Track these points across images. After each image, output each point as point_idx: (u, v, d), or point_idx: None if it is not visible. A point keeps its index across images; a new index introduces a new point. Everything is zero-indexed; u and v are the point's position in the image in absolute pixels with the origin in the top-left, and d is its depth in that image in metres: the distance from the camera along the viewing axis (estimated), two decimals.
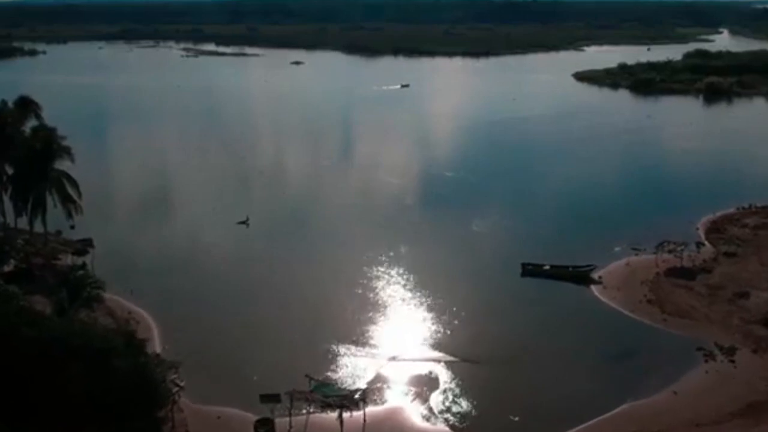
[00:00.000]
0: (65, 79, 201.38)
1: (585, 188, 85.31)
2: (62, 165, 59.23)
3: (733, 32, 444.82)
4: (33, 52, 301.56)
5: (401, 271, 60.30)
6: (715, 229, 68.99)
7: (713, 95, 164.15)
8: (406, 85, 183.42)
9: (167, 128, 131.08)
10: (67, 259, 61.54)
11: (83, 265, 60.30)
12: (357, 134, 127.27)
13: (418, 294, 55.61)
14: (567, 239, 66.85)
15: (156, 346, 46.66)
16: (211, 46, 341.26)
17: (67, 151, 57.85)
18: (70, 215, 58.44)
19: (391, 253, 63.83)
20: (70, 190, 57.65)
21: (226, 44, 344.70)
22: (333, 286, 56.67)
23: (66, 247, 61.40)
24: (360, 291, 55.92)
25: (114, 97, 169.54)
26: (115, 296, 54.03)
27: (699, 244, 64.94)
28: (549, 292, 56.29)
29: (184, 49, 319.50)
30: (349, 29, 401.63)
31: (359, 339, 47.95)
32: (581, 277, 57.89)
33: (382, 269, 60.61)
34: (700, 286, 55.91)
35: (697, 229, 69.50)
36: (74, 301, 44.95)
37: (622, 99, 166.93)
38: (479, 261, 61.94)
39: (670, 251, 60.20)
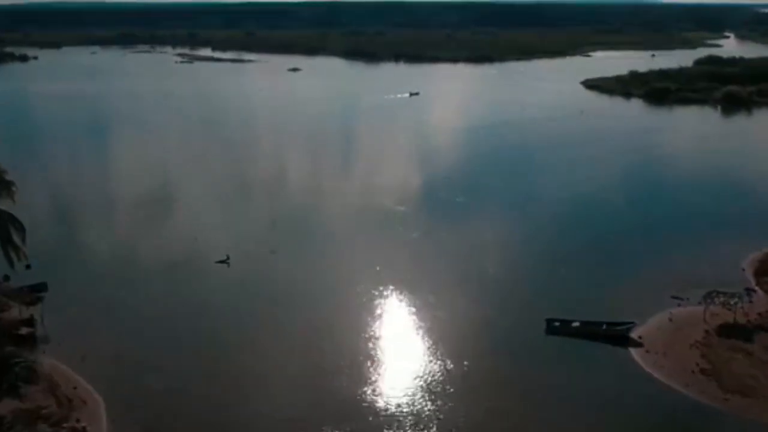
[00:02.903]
0: (47, 87, 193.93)
1: (611, 219, 75.79)
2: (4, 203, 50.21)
3: (739, 36, 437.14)
4: (24, 58, 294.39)
5: (408, 327, 51.35)
6: (766, 271, 59.91)
7: (732, 105, 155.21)
8: (416, 93, 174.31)
9: (145, 145, 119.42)
10: (16, 311, 52.65)
11: (31, 320, 51.64)
12: (362, 152, 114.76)
13: (429, 360, 46.50)
14: (595, 283, 57.87)
15: None
16: (207, 52, 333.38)
17: (7, 188, 48.90)
18: (11, 263, 49.47)
19: (396, 304, 55.03)
20: (14, 235, 48.66)
21: (223, 49, 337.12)
22: (326, 350, 47.62)
23: (11, 300, 52.36)
24: (360, 358, 46.78)
25: (93, 107, 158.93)
26: (62, 365, 45.31)
27: (749, 291, 55.85)
28: (580, 356, 47.22)
29: (179, 55, 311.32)
30: (349, 34, 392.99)
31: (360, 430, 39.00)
32: (618, 337, 48.90)
33: (385, 325, 51.68)
34: (760, 350, 46.87)
35: (743, 270, 60.56)
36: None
37: (638, 110, 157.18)
38: (497, 313, 52.76)
39: (723, 304, 51.14)
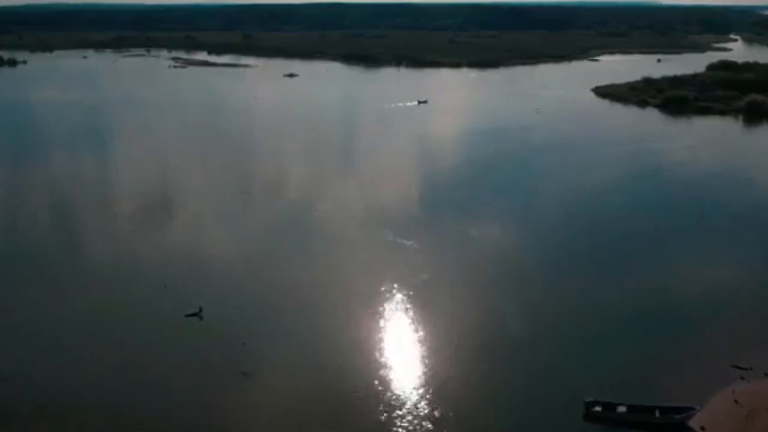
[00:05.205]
0: (27, 94, 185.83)
1: (647, 255, 65.43)
2: None
3: (747, 40, 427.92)
4: (13, 62, 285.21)
5: (414, 411, 41.78)
6: None
7: (754, 116, 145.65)
8: (424, 102, 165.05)
9: (109, 165, 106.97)
10: None
11: None
12: (370, 171, 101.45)
13: None
14: (635, 348, 48.43)
15: None
16: (203, 55, 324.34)
17: None
18: None
19: (400, 378, 45.38)
20: None
21: (219, 53, 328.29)
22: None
23: None
24: None
25: (66, 118, 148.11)
26: None
27: None
28: None
29: (174, 59, 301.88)
30: (349, 37, 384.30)
31: None
32: (675, 426, 39.47)
33: (384, 410, 42.11)
34: None
35: None
36: None
37: (659, 122, 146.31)
38: (523, 391, 43.30)
39: None
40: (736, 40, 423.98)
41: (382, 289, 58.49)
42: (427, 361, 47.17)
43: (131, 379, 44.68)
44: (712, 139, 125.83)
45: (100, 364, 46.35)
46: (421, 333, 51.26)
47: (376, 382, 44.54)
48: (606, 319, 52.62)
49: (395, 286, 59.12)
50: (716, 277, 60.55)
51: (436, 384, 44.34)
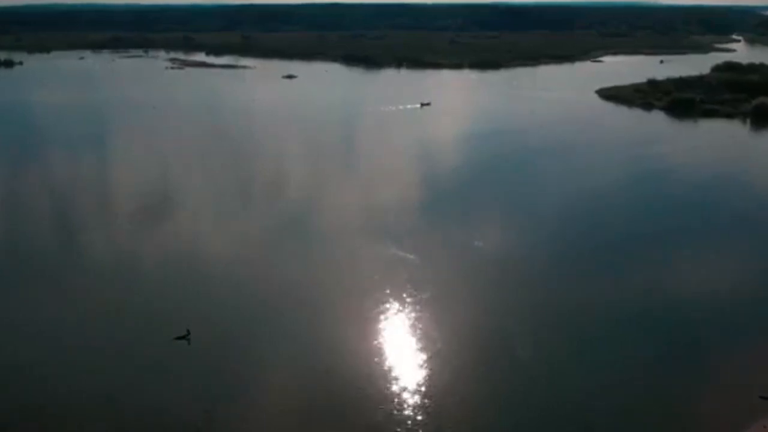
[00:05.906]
0: (19, 96, 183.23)
1: (664, 275, 61.67)
2: None
3: (749, 40, 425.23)
4: (9, 63, 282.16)
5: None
6: None
7: (762, 119, 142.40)
8: (427, 104, 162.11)
9: (106, 166, 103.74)
10: None
11: None
12: (376, 177, 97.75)
13: None
14: (659, 377, 45.31)
15: None
16: (201, 56, 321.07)
17: None
18: None
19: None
20: None
21: (218, 54, 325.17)
22: None
23: None
24: None
25: (62, 119, 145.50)
26: None
27: None
28: None
29: (171, 60, 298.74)
30: (349, 37, 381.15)
31: None
32: None
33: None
34: None
35: None
36: None
37: (666, 125, 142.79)
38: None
39: None
40: (738, 41, 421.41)
41: (382, 291, 55.62)
42: (428, 363, 44.74)
43: (130, 380, 43.90)
44: (722, 144, 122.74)
45: (99, 365, 45.54)
46: (422, 334, 48.69)
47: (377, 383, 43.24)
48: (619, 338, 49.47)
49: (395, 288, 57.00)
50: (735, 290, 57.60)
51: (437, 385, 42.70)
